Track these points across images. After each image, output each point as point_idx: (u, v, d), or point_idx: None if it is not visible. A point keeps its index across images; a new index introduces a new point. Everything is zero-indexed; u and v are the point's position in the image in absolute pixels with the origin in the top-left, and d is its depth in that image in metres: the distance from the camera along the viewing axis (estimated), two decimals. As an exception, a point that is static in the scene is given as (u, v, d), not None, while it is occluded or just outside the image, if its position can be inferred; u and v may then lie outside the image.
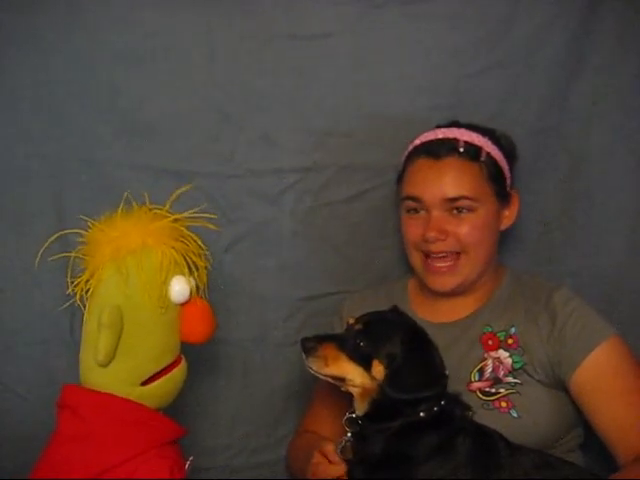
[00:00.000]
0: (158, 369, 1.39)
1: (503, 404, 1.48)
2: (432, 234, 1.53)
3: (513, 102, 1.78)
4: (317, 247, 1.81)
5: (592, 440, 1.53)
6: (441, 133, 1.58)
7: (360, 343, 1.37)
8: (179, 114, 1.74)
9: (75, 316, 1.63)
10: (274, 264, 1.80)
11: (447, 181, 1.53)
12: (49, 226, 1.70)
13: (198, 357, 1.60)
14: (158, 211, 1.41)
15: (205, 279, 1.44)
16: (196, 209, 1.42)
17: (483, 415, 1.44)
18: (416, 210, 1.57)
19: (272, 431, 1.83)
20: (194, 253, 1.41)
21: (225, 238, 1.75)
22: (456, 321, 1.59)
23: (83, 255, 1.41)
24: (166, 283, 1.37)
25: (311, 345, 1.38)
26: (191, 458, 1.40)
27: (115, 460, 1.30)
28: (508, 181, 1.60)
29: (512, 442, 1.40)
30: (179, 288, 1.38)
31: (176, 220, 1.41)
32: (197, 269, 1.42)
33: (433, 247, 1.54)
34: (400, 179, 1.62)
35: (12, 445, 1.72)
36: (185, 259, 1.40)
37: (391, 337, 1.37)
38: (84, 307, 1.39)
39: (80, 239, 1.42)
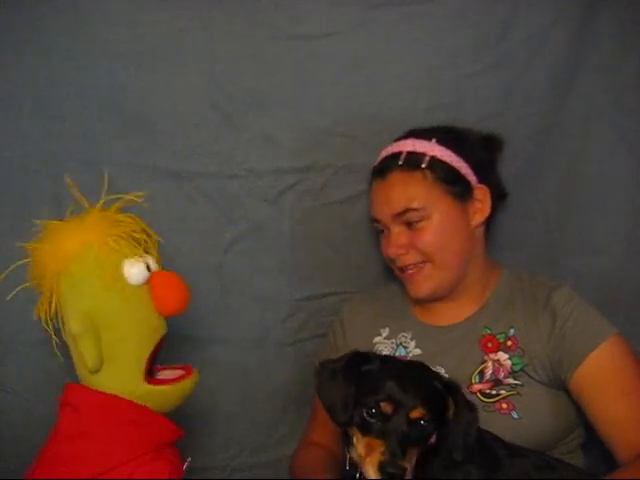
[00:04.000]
0: (151, 350, 1.37)
1: (504, 406, 1.48)
2: (392, 250, 1.57)
3: (513, 102, 1.78)
4: (317, 247, 1.81)
5: (593, 440, 1.53)
6: (391, 148, 1.61)
7: (423, 434, 1.29)
8: (179, 114, 1.73)
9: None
10: (274, 264, 1.79)
11: (392, 197, 1.56)
12: (49, 226, 1.71)
13: (198, 357, 1.60)
14: (90, 208, 1.39)
15: (156, 249, 1.41)
16: (121, 195, 1.41)
17: (484, 417, 1.43)
18: (382, 230, 1.61)
19: (272, 431, 1.83)
20: (135, 230, 1.38)
21: (225, 238, 1.75)
22: (455, 324, 1.59)
23: (36, 279, 1.39)
24: (118, 271, 1.34)
25: (398, 467, 1.23)
26: (189, 459, 1.40)
27: (113, 462, 1.30)
28: (468, 177, 1.57)
29: (508, 443, 1.40)
30: (135, 270, 1.36)
31: (105, 209, 1.39)
32: (146, 242, 1.39)
33: (399, 262, 1.58)
34: None
35: (12, 445, 1.71)
36: (132, 239, 1.37)
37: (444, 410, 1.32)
38: (61, 327, 1.37)
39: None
